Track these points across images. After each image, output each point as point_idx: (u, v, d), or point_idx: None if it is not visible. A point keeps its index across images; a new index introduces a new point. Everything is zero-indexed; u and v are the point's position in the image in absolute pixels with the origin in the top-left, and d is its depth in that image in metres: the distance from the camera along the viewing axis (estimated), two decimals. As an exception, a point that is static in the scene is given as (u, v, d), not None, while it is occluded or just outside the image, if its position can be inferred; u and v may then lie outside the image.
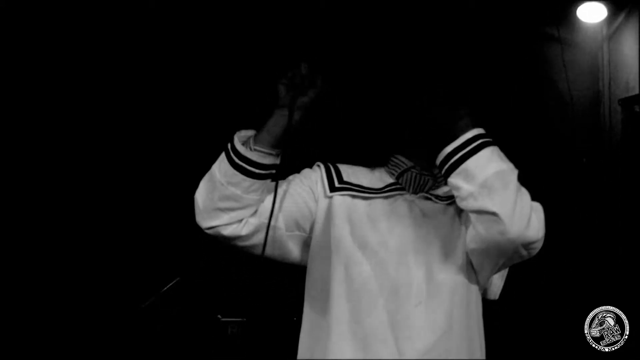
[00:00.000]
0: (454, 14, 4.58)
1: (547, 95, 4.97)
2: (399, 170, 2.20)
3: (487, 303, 2.17)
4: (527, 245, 1.98)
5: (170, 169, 4.48)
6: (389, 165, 2.23)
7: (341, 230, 2.11)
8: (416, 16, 4.52)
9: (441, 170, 2.01)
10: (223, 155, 2.07)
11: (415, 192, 2.18)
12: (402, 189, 2.18)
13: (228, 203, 2.05)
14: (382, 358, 2.00)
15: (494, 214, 1.91)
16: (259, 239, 2.11)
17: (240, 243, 2.12)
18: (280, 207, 2.11)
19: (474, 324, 2.13)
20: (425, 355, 2.00)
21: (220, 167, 2.06)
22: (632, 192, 4.48)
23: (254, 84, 4.27)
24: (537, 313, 4.34)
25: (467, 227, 2.06)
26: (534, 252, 2.02)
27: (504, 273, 2.20)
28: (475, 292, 2.14)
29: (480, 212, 1.94)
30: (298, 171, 2.26)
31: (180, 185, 4.37)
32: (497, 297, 2.21)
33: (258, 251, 2.13)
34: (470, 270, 2.10)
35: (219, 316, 4.37)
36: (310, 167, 2.28)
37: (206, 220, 2.08)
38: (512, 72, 4.83)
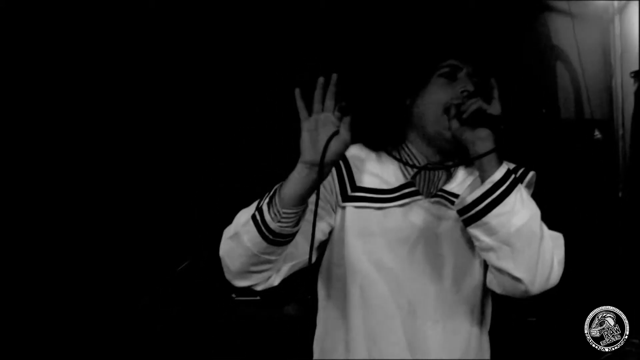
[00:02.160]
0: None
1: (559, 70, 4.95)
2: (412, 171, 2.09)
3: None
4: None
5: (170, 164, 4.48)
6: (402, 159, 2.10)
7: (355, 249, 2.04)
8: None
9: (460, 215, 1.92)
10: (252, 224, 1.89)
11: (430, 193, 2.08)
12: (417, 191, 2.07)
13: (262, 267, 1.94)
14: None
15: (516, 278, 1.88)
16: (288, 274, 2.03)
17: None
18: (306, 239, 1.96)
19: (484, 341, 2.12)
20: None
21: (252, 238, 1.89)
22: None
23: (254, 83, 4.26)
24: (537, 313, 4.34)
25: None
26: None
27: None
28: (489, 307, 2.13)
29: (502, 271, 1.91)
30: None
31: (180, 180, 4.46)
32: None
33: None
34: (487, 288, 2.07)
35: (234, 295, 4.40)
36: None
37: (239, 281, 1.98)
38: (523, 47, 4.80)
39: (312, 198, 1.90)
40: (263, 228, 1.87)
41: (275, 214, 1.87)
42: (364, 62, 3.90)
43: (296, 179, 1.86)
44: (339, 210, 2.06)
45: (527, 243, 1.85)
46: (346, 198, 2.05)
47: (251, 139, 4.46)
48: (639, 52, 4.74)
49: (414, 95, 2.06)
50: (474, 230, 1.89)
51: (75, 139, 4.47)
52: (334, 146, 1.84)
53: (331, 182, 2.07)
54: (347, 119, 1.86)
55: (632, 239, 4.40)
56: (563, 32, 4.93)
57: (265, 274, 1.96)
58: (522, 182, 2.02)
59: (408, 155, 2.11)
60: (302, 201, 1.88)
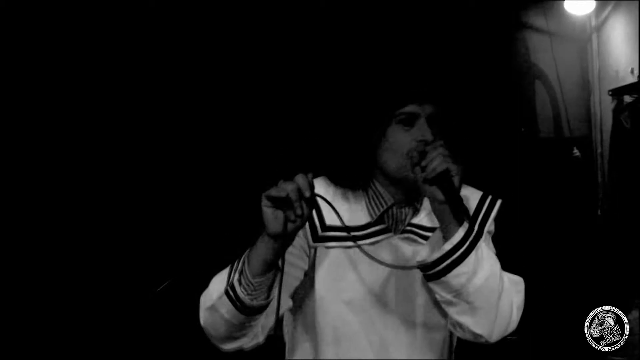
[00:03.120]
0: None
1: (538, 88, 5.00)
2: (379, 210, 2.05)
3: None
4: None
5: (168, 168, 4.47)
6: (369, 198, 2.08)
7: (326, 289, 2.03)
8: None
9: (421, 271, 1.92)
10: (227, 301, 1.86)
11: (398, 229, 2.08)
12: (386, 229, 2.05)
13: (245, 331, 1.90)
14: None
15: (475, 333, 1.90)
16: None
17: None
18: (287, 291, 1.97)
19: None
20: None
21: (229, 312, 1.86)
22: (623, 183, 4.50)
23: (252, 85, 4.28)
24: (537, 313, 4.35)
25: None
26: None
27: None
28: (455, 339, 2.13)
29: (461, 325, 1.92)
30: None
31: (176, 184, 4.45)
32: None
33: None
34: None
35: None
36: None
37: (225, 346, 1.94)
38: (502, 66, 4.85)
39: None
40: (238, 303, 1.85)
41: (247, 285, 1.85)
42: (326, 104, 3.97)
43: (261, 248, 1.83)
44: (311, 251, 2.05)
45: (485, 301, 1.87)
46: (317, 239, 2.03)
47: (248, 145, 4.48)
48: (616, 71, 4.80)
49: (379, 137, 2.03)
50: (434, 286, 1.90)
51: (75, 139, 4.46)
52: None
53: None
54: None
55: (610, 254, 4.43)
56: (541, 50, 4.98)
57: (250, 335, 1.93)
58: (491, 213, 2.04)
59: (375, 194, 2.08)
60: (270, 268, 1.85)
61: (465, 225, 1.87)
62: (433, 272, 1.87)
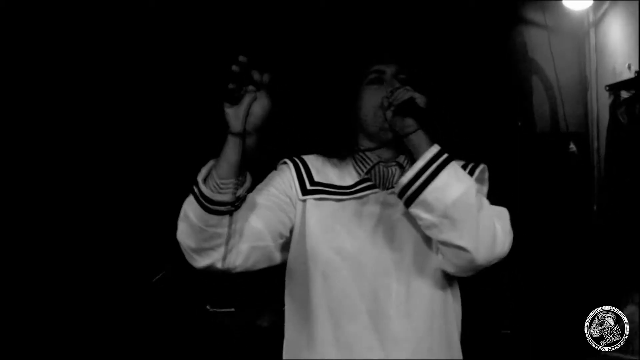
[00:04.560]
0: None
1: (535, 83, 5.00)
2: (365, 168, 2.18)
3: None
4: (496, 261, 2.00)
5: (162, 164, 4.47)
6: (356, 161, 2.20)
7: (316, 238, 2.09)
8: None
9: (400, 199, 1.99)
10: (192, 199, 1.98)
11: (385, 187, 2.16)
12: (373, 185, 2.15)
13: (213, 242, 2.00)
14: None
15: (460, 247, 1.94)
16: (252, 261, 2.08)
17: (238, 271, 2.07)
18: (264, 222, 2.07)
19: (452, 329, 2.13)
20: (412, 355, 2.02)
21: (194, 211, 1.98)
22: (620, 179, 4.50)
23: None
24: (537, 313, 4.36)
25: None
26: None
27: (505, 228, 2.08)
28: (451, 295, 2.14)
29: (446, 244, 1.97)
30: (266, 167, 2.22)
31: (170, 179, 4.44)
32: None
33: (257, 269, 2.11)
34: (445, 274, 2.10)
35: (208, 307, 4.37)
36: (274, 161, 2.24)
37: (198, 261, 2.02)
38: (499, 61, 4.85)
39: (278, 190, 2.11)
40: (201, 199, 1.96)
41: (214, 186, 1.97)
42: (301, 77, 4.01)
43: (227, 151, 1.96)
44: (299, 205, 2.13)
45: (465, 213, 1.92)
46: (305, 192, 2.14)
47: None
48: (614, 66, 4.80)
49: (356, 103, 2.17)
50: (414, 210, 1.97)
51: (74, 139, 4.45)
52: (256, 111, 1.97)
53: (290, 179, 2.16)
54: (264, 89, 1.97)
55: (605, 250, 4.44)
56: (539, 45, 4.98)
57: (220, 250, 2.01)
58: (471, 176, 2.09)
59: (361, 157, 2.20)
60: (237, 171, 1.97)
61: (437, 146, 1.97)
62: (410, 192, 1.95)
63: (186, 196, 2.02)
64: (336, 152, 2.20)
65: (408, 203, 1.97)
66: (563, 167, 4.89)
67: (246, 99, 1.95)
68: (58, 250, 4.42)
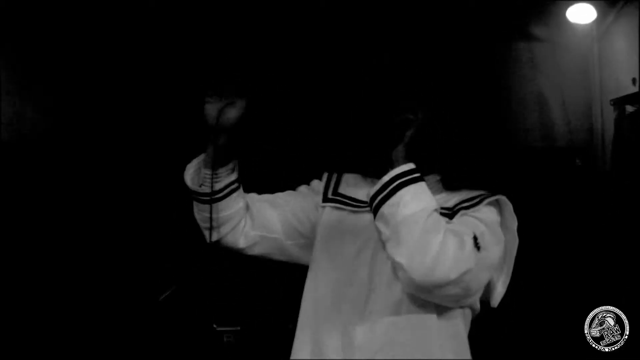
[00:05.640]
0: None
1: (540, 97, 5.00)
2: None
3: (486, 304, 2.16)
4: (439, 288, 1.95)
5: (169, 175, 4.46)
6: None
7: (321, 241, 2.21)
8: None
9: (370, 211, 2.07)
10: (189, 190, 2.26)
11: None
12: None
13: (206, 224, 2.25)
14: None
15: (397, 263, 1.96)
16: (260, 249, 2.30)
17: (245, 253, 2.30)
18: (280, 216, 2.28)
19: (431, 342, 2.07)
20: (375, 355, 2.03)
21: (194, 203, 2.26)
22: (626, 190, 4.49)
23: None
24: (537, 313, 4.34)
25: None
26: (455, 291, 1.97)
27: (505, 280, 2.17)
28: (437, 314, 2.09)
29: (390, 259, 2.00)
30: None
31: (176, 191, 4.44)
32: (496, 305, 2.16)
33: (266, 259, 2.33)
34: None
35: (215, 325, 4.37)
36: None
37: (206, 236, 2.26)
38: (502, 75, 4.86)
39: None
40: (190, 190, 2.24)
41: (203, 177, 2.20)
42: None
43: (210, 145, 2.17)
44: (320, 211, 2.26)
45: (409, 232, 1.95)
46: (326, 200, 2.26)
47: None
48: (618, 80, 4.80)
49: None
50: (376, 222, 2.03)
51: (78, 141, 4.47)
52: (230, 113, 2.14)
53: (318, 186, 2.31)
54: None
55: (611, 256, 4.41)
56: (544, 59, 4.98)
57: (221, 231, 2.25)
58: (479, 205, 2.08)
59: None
60: (211, 165, 2.18)
61: (411, 164, 2.02)
62: (374, 204, 2.01)
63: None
64: (373, 173, 2.21)
65: (374, 215, 2.03)
66: (568, 182, 4.88)
67: (225, 100, 2.13)
68: (65, 272, 4.42)
